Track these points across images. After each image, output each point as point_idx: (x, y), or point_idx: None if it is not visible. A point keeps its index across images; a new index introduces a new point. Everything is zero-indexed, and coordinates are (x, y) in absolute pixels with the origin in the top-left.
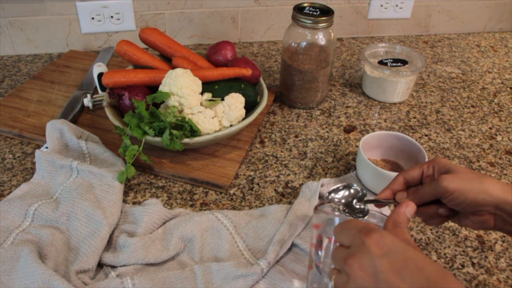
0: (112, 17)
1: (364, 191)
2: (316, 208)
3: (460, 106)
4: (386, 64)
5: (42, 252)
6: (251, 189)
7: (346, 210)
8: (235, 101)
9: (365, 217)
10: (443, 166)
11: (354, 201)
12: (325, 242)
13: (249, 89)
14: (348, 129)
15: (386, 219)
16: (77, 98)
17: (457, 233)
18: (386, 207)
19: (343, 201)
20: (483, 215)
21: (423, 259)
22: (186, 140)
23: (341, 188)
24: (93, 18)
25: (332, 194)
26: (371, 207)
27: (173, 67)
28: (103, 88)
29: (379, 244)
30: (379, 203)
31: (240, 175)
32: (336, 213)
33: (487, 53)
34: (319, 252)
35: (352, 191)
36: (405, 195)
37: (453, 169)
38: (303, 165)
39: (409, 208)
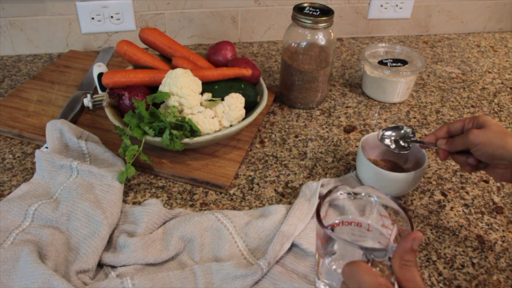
0: (112, 17)
1: (414, 132)
2: (317, 214)
3: (460, 106)
4: (386, 64)
5: (42, 252)
6: (251, 189)
7: (393, 146)
8: (235, 101)
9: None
10: (481, 122)
11: (401, 141)
12: (323, 261)
13: (249, 89)
14: (348, 129)
15: (393, 254)
16: (77, 98)
17: (457, 233)
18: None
19: (392, 138)
20: (502, 168)
21: None
22: (186, 140)
23: (391, 127)
24: (93, 18)
25: (384, 131)
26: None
27: (173, 67)
28: (103, 88)
29: None
30: (423, 144)
31: (240, 175)
32: (342, 220)
33: (487, 53)
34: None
35: (402, 131)
36: (444, 141)
37: (486, 125)
38: (303, 165)
39: (416, 241)
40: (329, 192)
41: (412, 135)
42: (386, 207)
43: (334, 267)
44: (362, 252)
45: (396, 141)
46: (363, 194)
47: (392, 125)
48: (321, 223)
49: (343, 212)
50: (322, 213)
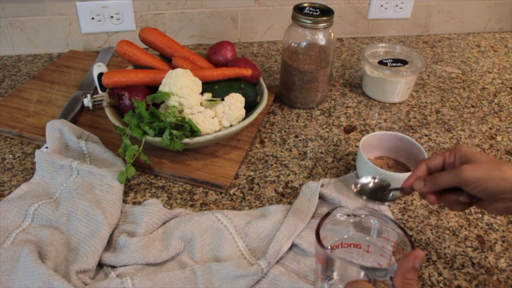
0: (112, 17)
1: (387, 181)
2: (317, 236)
3: (460, 106)
4: (386, 64)
5: (42, 252)
6: (251, 189)
7: (375, 199)
8: (235, 101)
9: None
10: (464, 155)
11: (381, 189)
12: (323, 284)
13: (249, 89)
14: (348, 129)
15: (395, 273)
16: (77, 98)
17: (457, 233)
18: (388, 211)
19: (370, 187)
20: (505, 202)
21: None
22: (186, 140)
23: (367, 179)
24: (93, 18)
25: (360, 184)
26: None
27: (173, 67)
28: (103, 88)
29: None
30: (403, 191)
31: (240, 175)
32: (341, 242)
33: (487, 53)
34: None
35: (376, 180)
36: (422, 183)
37: (474, 158)
38: (303, 165)
39: (418, 260)
40: (328, 213)
41: (388, 184)
42: (385, 227)
43: None
44: (363, 273)
45: (374, 192)
46: (362, 215)
47: (365, 177)
48: (321, 244)
49: (339, 233)
50: (322, 235)
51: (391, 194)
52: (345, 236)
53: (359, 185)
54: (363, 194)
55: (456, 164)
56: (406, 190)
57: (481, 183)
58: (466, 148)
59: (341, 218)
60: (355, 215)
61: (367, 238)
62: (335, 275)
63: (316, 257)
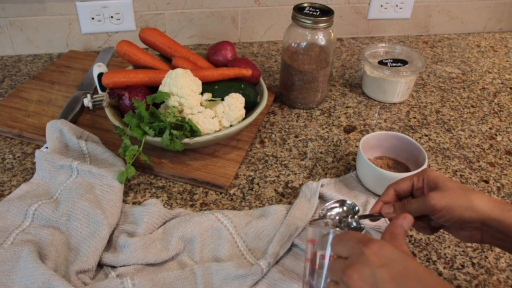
0: (112, 17)
1: (357, 208)
2: (310, 223)
3: (460, 106)
4: (386, 64)
5: (42, 252)
6: (251, 189)
7: (342, 226)
8: (235, 101)
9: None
10: (432, 181)
11: (349, 217)
12: (319, 258)
13: (249, 89)
14: (348, 129)
15: (384, 231)
16: (77, 98)
17: None
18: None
19: (337, 218)
20: (470, 231)
21: (423, 270)
22: (186, 140)
23: (335, 206)
24: (93, 18)
25: (327, 212)
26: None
27: (173, 67)
28: (103, 88)
29: (378, 254)
30: (372, 217)
31: (240, 175)
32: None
33: (487, 53)
34: (314, 271)
35: (345, 207)
36: (391, 209)
37: (441, 185)
38: (303, 165)
39: (406, 221)
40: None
41: (356, 210)
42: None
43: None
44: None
45: (343, 221)
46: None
47: (331, 203)
48: (312, 222)
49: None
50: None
51: (358, 222)
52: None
53: (323, 214)
54: (328, 220)
55: (425, 190)
56: (375, 215)
57: (447, 212)
58: (434, 173)
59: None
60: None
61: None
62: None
63: (305, 258)
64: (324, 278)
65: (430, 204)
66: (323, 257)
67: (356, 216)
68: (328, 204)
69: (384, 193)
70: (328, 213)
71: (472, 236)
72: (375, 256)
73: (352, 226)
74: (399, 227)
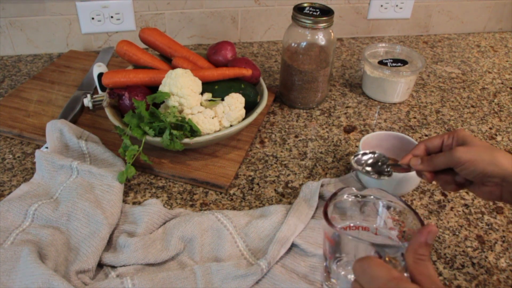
0: (112, 17)
1: (386, 157)
2: (325, 215)
3: (460, 106)
4: (386, 64)
5: (42, 252)
6: (251, 189)
7: (373, 172)
8: (235, 101)
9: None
10: (461, 138)
11: (379, 164)
12: (331, 265)
13: (249, 89)
14: (348, 129)
15: (407, 250)
16: (77, 98)
17: (457, 233)
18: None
19: (369, 162)
20: (491, 186)
21: None
22: (186, 140)
23: (366, 153)
24: (93, 18)
25: (359, 157)
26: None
27: (173, 67)
28: (103, 88)
29: None
30: (401, 167)
31: (240, 175)
32: (349, 224)
33: (487, 53)
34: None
35: (376, 155)
36: (419, 161)
37: (469, 141)
38: (303, 165)
39: (431, 235)
40: (335, 193)
41: (386, 160)
42: (394, 208)
43: (342, 272)
44: (373, 251)
45: (372, 166)
46: (371, 196)
47: (363, 151)
48: (330, 222)
49: (347, 216)
50: (329, 214)
51: (388, 169)
52: (352, 218)
53: (357, 157)
54: (360, 166)
55: (453, 146)
56: (403, 166)
57: (471, 164)
58: (464, 131)
59: (349, 199)
60: (363, 196)
61: (375, 219)
62: (344, 255)
63: (324, 236)
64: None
65: (455, 156)
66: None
67: (384, 165)
68: (360, 152)
69: (415, 147)
70: (362, 158)
71: (493, 192)
72: None
73: (384, 173)
74: (423, 247)
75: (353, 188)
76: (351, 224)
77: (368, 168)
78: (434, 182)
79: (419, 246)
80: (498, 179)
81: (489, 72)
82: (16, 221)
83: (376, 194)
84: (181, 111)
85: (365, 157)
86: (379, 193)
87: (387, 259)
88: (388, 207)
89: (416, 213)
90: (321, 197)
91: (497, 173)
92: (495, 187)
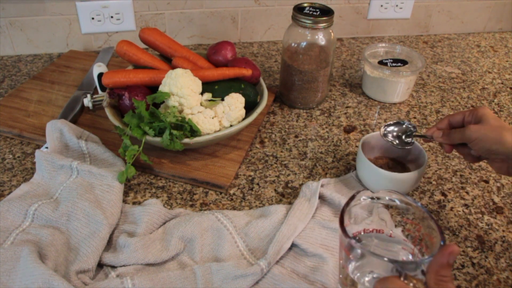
0: (112, 17)
1: (415, 126)
2: (341, 224)
3: (460, 106)
4: (386, 64)
5: (42, 252)
6: (251, 189)
7: (398, 143)
8: (235, 101)
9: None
10: (479, 116)
11: (404, 136)
12: (347, 271)
13: (249, 89)
14: (348, 129)
15: (428, 271)
16: (77, 98)
17: (457, 233)
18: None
19: (394, 133)
20: (499, 162)
21: None
22: (186, 140)
23: (393, 123)
24: (93, 18)
25: (386, 128)
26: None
27: (173, 67)
28: (103, 88)
29: None
30: (425, 137)
31: (240, 175)
32: (363, 228)
33: (487, 53)
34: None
35: (404, 126)
36: (440, 133)
37: (484, 120)
38: (303, 165)
39: (452, 256)
40: (351, 199)
41: (414, 130)
42: (408, 210)
43: (358, 275)
44: (392, 268)
45: (398, 137)
46: (386, 198)
47: (394, 121)
48: (346, 233)
49: (360, 218)
50: (345, 221)
51: (411, 139)
52: (367, 221)
53: (385, 128)
54: (388, 136)
55: (472, 123)
56: (427, 137)
57: (479, 141)
58: (484, 109)
59: (364, 202)
60: (378, 198)
61: (390, 221)
62: (359, 263)
63: (340, 245)
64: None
65: (466, 134)
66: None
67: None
68: (389, 123)
69: (440, 121)
70: (387, 129)
71: (501, 168)
72: None
73: (408, 142)
74: (445, 268)
75: (368, 191)
76: (365, 228)
77: (391, 138)
78: (433, 182)
79: (441, 268)
80: (503, 156)
81: (489, 72)
82: (16, 221)
83: (391, 195)
84: (181, 111)
85: (391, 128)
86: (394, 195)
87: (405, 281)
88: (403, 209)
89: (432, 217)
90: (321, 197)
91: (502, 151)
92: (501, 163)
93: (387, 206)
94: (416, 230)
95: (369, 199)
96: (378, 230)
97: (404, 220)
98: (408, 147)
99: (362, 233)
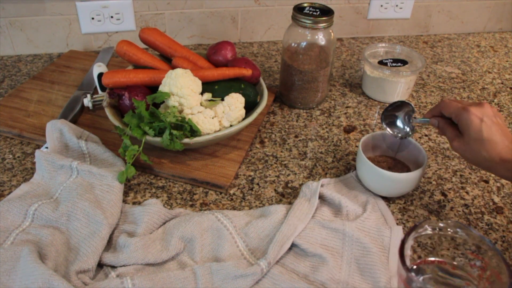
0: (112, 17)
1: (412, 109)
2: (401, 256)
3: None
4: (386, 64)
5: (42, 252)
6: (251, 189)
7: (397, 132)
8: (235, 101)
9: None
10: (462, 125)
11: (406, 117)
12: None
13: (249, 89)
14: (348, 129)
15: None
16: (77, 98)
17: None
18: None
19: (393, 121)
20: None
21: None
22: (186, 140)
23: (391, 108)
24: (93, 18)
25: (384, 114)
26: None
27: (173, 67)
28: (103, 88)
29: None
30: (425, 122)
31: (240, 175)
32: (424, 259)
33: (487, 53)
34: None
35: (402, 112)
36: (436, 123)
37: (465, 131)
38: (303, 165)
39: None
40: (414, 228)
41: (412, 112)
42: (473, 244)
43: None
44: None
45: (400, 121)
46: (449, 230)
47: (393, 103)
48: (405, 266)
49: (421, 247)
50: (406, 252)
51: (411, 130)
52: (427, 250)
53: (385, 115)
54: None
55: (459, 127)
56: (427, 120)
57: (462, 156)
58: (467, 118)
59: (425, 233)
60: (440, 228)
61: (453, 253)
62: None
63: (398, 277)
64: None
65: (452, 147)
66: None
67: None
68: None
69: (435, 107)
70: (386, 113)
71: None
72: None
73: (406, 132)
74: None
75: (432, 220)
76: (427, 259)
77: (390, 129)
78: (433, 182)
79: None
80: (486, 169)
81: (489, 72)
82: (16, 221)
83: (456, 227)
84: (181, 111)
85: (390, 113)
86: (459, 226)
87: None
88: (469, 241)
89: (500, 254)
90: (321, 197)
91: (482, 167)
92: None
93: (452, 238)
94: (482, 264)
95: (431, 229)
96: (440, 261)
97: (467, 253)
98: (409, 136)
99: (423, 264)
